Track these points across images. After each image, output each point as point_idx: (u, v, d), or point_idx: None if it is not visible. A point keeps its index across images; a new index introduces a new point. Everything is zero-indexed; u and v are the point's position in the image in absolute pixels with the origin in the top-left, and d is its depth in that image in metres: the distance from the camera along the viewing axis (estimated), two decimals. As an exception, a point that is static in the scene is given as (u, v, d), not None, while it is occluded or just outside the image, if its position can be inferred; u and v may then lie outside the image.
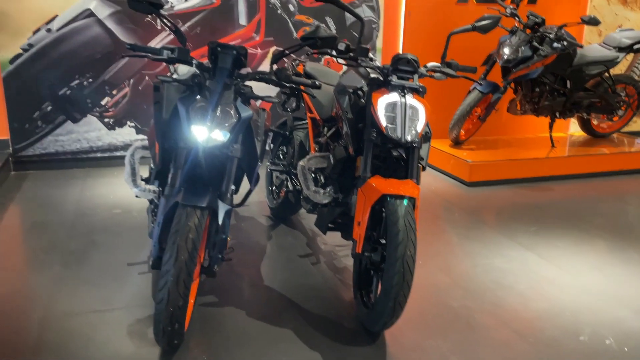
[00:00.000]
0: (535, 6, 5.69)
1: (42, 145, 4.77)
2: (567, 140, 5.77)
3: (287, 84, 2.51)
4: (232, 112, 2.29)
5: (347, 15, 5.24)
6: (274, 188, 3.85)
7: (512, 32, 4.85)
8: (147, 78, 4.87)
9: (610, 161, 5.20)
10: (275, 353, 2.35)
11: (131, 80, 4.85)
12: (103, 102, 4.83)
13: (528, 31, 4.79)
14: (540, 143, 5.51)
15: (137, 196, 2.82)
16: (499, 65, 4.89)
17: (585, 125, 5.71)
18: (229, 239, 2.39)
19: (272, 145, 3.74)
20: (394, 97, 2.42)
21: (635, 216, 4.23)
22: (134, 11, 2.41)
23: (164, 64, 4.71)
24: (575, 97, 5.14)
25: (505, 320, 2.65)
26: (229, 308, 2.66)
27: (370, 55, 2.61)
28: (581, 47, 4.91)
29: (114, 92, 4.84)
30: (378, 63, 2.65)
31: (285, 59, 4.35)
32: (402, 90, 2.45)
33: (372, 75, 2.57)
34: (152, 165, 2.87)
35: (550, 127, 5.28)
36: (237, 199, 2.56)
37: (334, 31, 5.24)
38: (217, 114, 2.26)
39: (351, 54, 2.55)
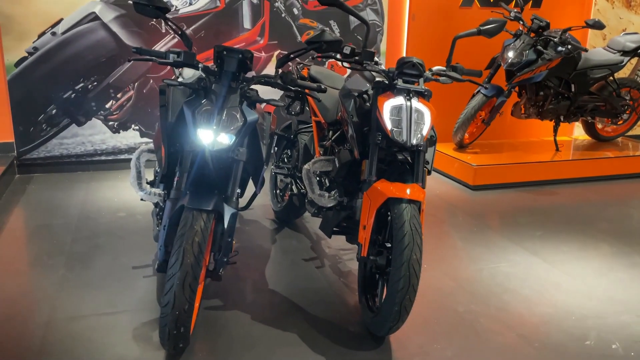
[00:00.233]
0: (539, 10, 5.69)
1: (46, 149, 4.78)
2: (571, 144, 5.76)
3: (292, 88, 2.51)
4: (237, 116, 2.29)
5: (351, 18, 5.25)
6: (278, 191, 3.85)
7: (517, 36, 4.85)
8: (151, 81, 4.89)
9: (614, 165, 5.18)
10: (279, 357, 2.34)
11: (136, 84, 4.86)
12: (107, 106, 4.84)
13: (532, 35, 4.79)
14: (544, 147, 5.50)
15: (142, 199, 2.83)
16: (503, 69, 4.89)
17: (589, 129, 5.69)
18: (234, 242, 2.39)
19: (276, 148, 3.74)
20: (399, 100, 2.42)
21: (639, 221, 4.22)
22: (139, 15, 2.42)
23: (168, 67, 4.73)
24: (579, 101, 5.13)
25: (510, 325, 2.64)
26: (233, 311, 2.66)
27: (376, 58, 2.61)
28: (585, 50, 4.90)
29: (119, 95, 4.85)
30: (383, 67, 2.65)
31: (290, 63, 4.35)
32: (408, 93, 2.45)
33: (378, 79, 2.57)
34: (157, 169, 2.88)
35: (555, 130, 5.27)
36: (242, 202, 2.55)
37: (338, 34, 5.25)
38: (223, 118, 2.26)
39: (356, 58, 2.55)
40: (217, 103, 2.27)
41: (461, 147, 5.19)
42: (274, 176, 3.87)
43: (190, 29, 4.86)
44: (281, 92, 4.65)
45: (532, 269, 3.23)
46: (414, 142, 2.40)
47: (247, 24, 5.03)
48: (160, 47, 4.82)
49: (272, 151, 3.66)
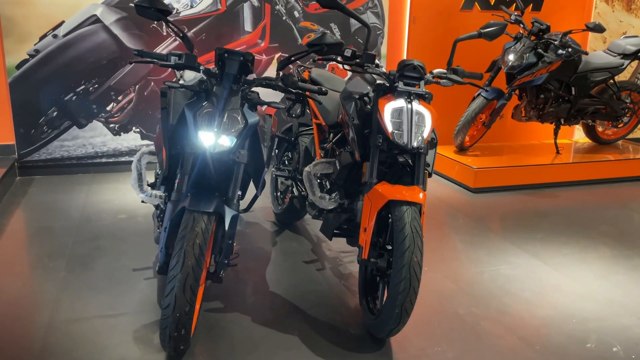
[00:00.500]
0: (539, 13, 5.70)
1: (47, 151, 4.78)
2: (572, 147, 5.76)
3: (293, 90, 2.52)
4: (239, 118, 2.30)
5: (352, 21, 5.26)
6: (279, 194, 3.86)
7: (517, 39, 4.86)
8: (152, 84, 4.89)
9: (615, 168, 5.19)
10: (280, 359, 2.34)
11: (136, 86, 4.87)
12: (108, 108, 4.85)
13: (533, 38, 4.80)
14: (545, 149, 5.50)
15: (143, 201, 2.83)
16: (503, 72, 4.90)
17: (590, 131, 5.70)
18: (235, 244, 2.39)
19: (277, 151, 3.74)
20: (400, 103, 2.43)
21: (640, 223, 4.22)
22: (141, 17, 2.43)
23: (169, 70, 4.73)
24: (580, 104, 5.14)
25: (511, 328, 2.64)
26: (234, 314, 2.66)
27: (377, 61, 2.61)
28: (586, 53, 4.91)
29: (120, 97, 4.86)
30: (383, 69, 2.65)
31: (291, 66, 4.36)
32: (409, 96, 2.45)
33: (379, 82, 2.57)
34: (158, 171, 2.88)
35: (555, 133, 5.28)
36: (243, 204, 2.56)
37: (338, 37, 5.26)
38: (224, 120, 2.27)
39: (357, 60, 2.56)
40: (218, 105, 2.27)
41: (462, 149, 5.19)
42: (275, 178, 3.88)
43: (192, 31, 4.87)
44: (282, 95, 4.65)
45: (532, 272, 3.23)
46: (415, 144, 2.41)
47: (248, 26, 5.04)
48: (162, 49, 4.83)
49: (272, 153, 3.66)
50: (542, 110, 5.07)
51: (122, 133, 4.94)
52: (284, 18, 5.11)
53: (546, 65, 4.75)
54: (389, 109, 2.42)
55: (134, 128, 4.96)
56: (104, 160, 4.94)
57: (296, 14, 5.12)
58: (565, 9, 5.82)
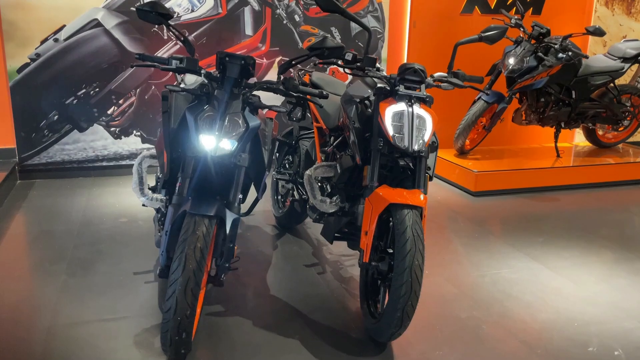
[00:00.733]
0: (540, 17, 5.71)
1: (48, 154, 4.79)
2: (572, 151, 5.77)
3: (294, 94, 2.52)
4: (240, 122, 2.30)
5: (353, 25, 5.28)
6: (279, 197, 3.86)
7: (517, 43, 4.86)
8: (153, 88, 4.90)
9: (615, 171, 5.19)
10: (282, 363, 2.34)
11: (137, 90, 4.87)
12: (109, 112, 4.86)
13: (533, 41, 4.81)
14: (545, 153, 5.50)
15: (144, 205, 2.83)
16: (504, 76, 4.90)
17: (590, 135, 5.70)
18: (236, 248, 2.39)
19: (278, 154, 3.74)
20: (401, 106, 2.43)
21: (642, 226, 4.22)
22: (142, 21, 2.43)
23: (170, 73, 4.74)
24: (580, 108, 5.14)
25: (513, 331, 2.63)
26: (235, 318, 2.66)
27: (378, 65, 2.62)
28: (586, 57, 4.92)
29: (121, 101, 4.86)
30: (384, 73, 2.66)
31: (291, 69, 4.37)
32: (410, 99, 2.45)
33: (379, 85, 2.58)
34: (159, 174, 2.88)
35: (556, 137, 5.28)
36: (243, 208, 2.56)
37: (339, 41, 5.27)
38: (225, 123, 2.27)
39: (358, 64, 2.56)
40: (219, 109, 2.27)
41: (462, 153, 5.19)
42: (276, 182, 3.88)
43: (192, 35, 4.88)
44: (283, 99, 4.66)
45: (534, 275, 3.23)
46: (416, 148, 2.41)
47: (248, 30, 5.05)
48: (163, 53, 4.84)
49: (273, 157, 3.66)
50: (543, 114, 5.08)
51: (123, 137, 4.95)
52: (284, 22, 5.12)
53: (546, 69, 4.76)
54: (390, 112, 2.42)
55: (134, 132, 4.96)
56: (104, 163, 4.94)
57: (297, 17, 5.13)
58: (565, 12, 5.84)
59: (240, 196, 2.40)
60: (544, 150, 5.64)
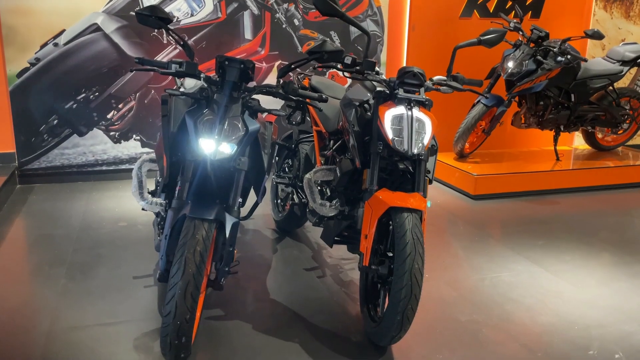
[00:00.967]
0: (538, 20, 5.73)
1: (47, 159, 4.79)
2: (571, 154, 5.77)
3: (293, 97, 2.52)
4: (239, 125, 2.30)
5: (352, 29, 5.29)
6: (279, 201, 3.86)
7: (516, 46, 4.87)
8: (153, 92, 4.91)
9: (615, 174, 5.19)
10: (282, 367, 2.34)
11: (137, 94, 4.88)
12: (109, 116, 4.86)
13: (532, 45, 4.82)
14: (545, 156, 5.51)
15: (143, 209, 2.83)
16: (503, 79, 4.91)
17: (589, 138, 5.71)
18: (235, 251, 2.39)
19: (277, 158, 3.75)
20: (400, 110, 2.43)
21: (641, 229, 4.21)
22: (141, 25, 2.44)
23: (170, 77, 4.75)
24: (579, 111, 5.15)
25: (513, 335, 2.63)
26: (235, 321, 2.65)
27: (377, 68, 2.62)
28: (585, 60, 4.93)
29: (120, 105, 4.87)
30: (383, 76, 2.66)
31: (291, 73, 4.38)
32: (409, 103, 2.46)
33: (379, 89, 2.58)
34: (158, 178, 2.88)
35: (555, 140, 5.28)
36: (243, 211, 2.56)
37: (338, 45, 5.28)
38: (225, 127, 2.27)
39: (357, 68, 2.57)
40: (218, 113, 2.28)
41: (462, 156, 5.19)
42: (275, 186, 3.88)
43: (192, 39, 4.89)
44: (282, 102, 4.66)
45: (534, 279, 3.23)
46: (415, 151, 2.41)
47: (248, 34, 5.06)
48: (162, 57, 4.84)
49: (273, 161, 3.66)
50: (542, 117, 5.08)
51: (122, 141, 4.95)
52: (283, 26, 5.13)
53: (545, 72, 4.76)
54: (389, 115, 2.43)
55: (134, 136, 4.97)
56: (104, 168, 4.94)
57: (296, 22, 5.15)
58: (564, 16, 5.85)
59: (240, 200, 2.40)
60: (544, 153, 5.65)
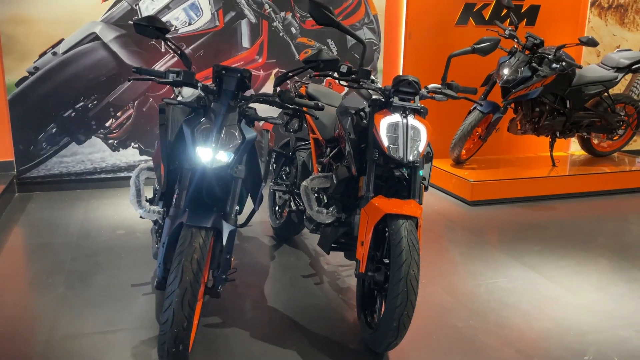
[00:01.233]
0: (533, 28, 5.77)
1: (46, 167, 4.80)
2: (568, 160, 5.80)
3: (290, 106, 2.54)
4: (236, 134, 2.32)
5: (349, 37, 5.32)
6: (276, 208, 3.87)
7: (511, 53, 4.91)
8: (151, 100, 4.93)
9: (611, 180, 5.21)
10: (279, 374, 2.34)
11: (135, 102, 4.90)
12: (107, 124, 4.88)
13: (527, 52, 4.86)
14: (541, 162, 5.53)
15: (141, 217, 2.84)
16: (499, 86, 4.94)
17: (585, 144, 5.74)
18: (233, 259, 2.40)
19: (275, 165, 3.77)
20: (395, 118, 2.46)
21: (637, 235, 4.23)
22: (139, 35, 2.46)
23: (168, 86, 4.77)
24: (575, 117, 5.18)
25: (510, 341, 2.64)
26: (232, 329, 2.66)
27: (372, 77, 2.65)
28: (580, 67, 4.96)
29: (119, 114, 4.89)
30: (379, 84, 2.69)
31: (288, 81, 4.41)
32: (404, 111, 2.48)
33: (374, 97, 2.61)
34: (156, 186, 2.90)
35: (551, 146, 5.31)
36: (240, 219, 2.57)
37: (335, 53, 5.31)
38: (222, 136, 2.29)
39: (353, 76, 2.59)
40: (216, 121, 2.30)
41: (458, 163, 5.22)
42: (273, 193, 3.89)
43: (190, 48, 4.93)
44: (280, 110, 4.69)
45: (530, 284, 3.24)
46: (411, 158, 2.43)
47: (245, 43, 5.09)
48: (160, 66, 4.87)
49: (270, 168, 3.68)
50: (538, 124, 5.11)
51: (120, 149, 4.97)
52: (281, 34, 5.16)
53: (541, 79, 4.80)
54: (385, 123, 2.45)
55: (132, 144, 4.99)
56: (102, 176, 4.95)
57: (293, 30, 5.18)
58: (558, 23, 5.90)
59: (237, 207, 2.42)
60: (540, 159, 5.67)
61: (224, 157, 2.29)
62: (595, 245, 3.88)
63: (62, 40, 4.63)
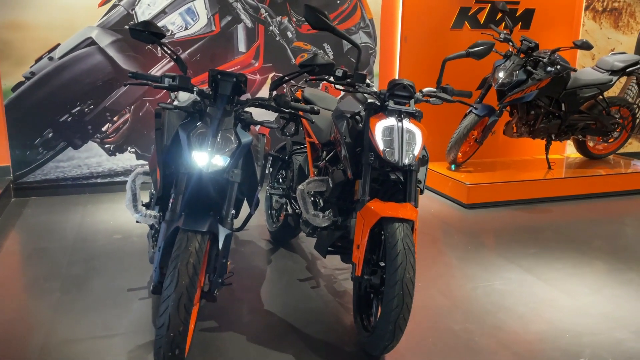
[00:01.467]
0: (528, 31, 5.80)
1: (43, 172, 4.80)
2: (563, 162, 5.82)
3: (286, 110, 2.55)
4: (232, 138, 2.33)
5: (345, 41, 5.34)
6: (273, 212, 3.88)
7: (507, 57, 4.93)
8: (147, 104, 4.94)
9: (607, 182, 5.23)
10: (275, 378, 2.34)
11: (132, 107, 4.91)
12: (104, 129, 4.89)
13: (522, 56, 4.88)
14: (537, 165, 5.55)
15: (137, 221, 2.84)
16: (494, 89, 4.97)
17: (581, 147, 5.76)
18: (229, 263, 2.40)
19: (271, 169, 3.77)
20: (391, 121, 2.47)
21: (633, 237, 4.24)
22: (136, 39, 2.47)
23: (165, 90, 4.78)
24: (570, 120, 5.21)
25: (506, 343, 2.65)
26: (229, 333, 2.66)
27: (368, 81, 2.66)
28: (574, 70, 4.99)
29: (115, 118, 4.89)
30: (375, 88, 2.70)
31: (284, 85, 4.42)
32: (399, 114, 2.49)
33: (370, 100, 2.62)
34: (152, 191, 2.90)
35: (547, 149, 5.33)
36: (237, 223, 2.58)
37: (331, 57, 5.33)
38: (218, 140, 2.30)
39: (348, 80, 2.61)
40: (211, 126, 2.30)
41: (455, 166, 5.23)
42: (269, 197, 3.90)
43: (186, 52, 4.94)
44: (276, 114, 4.70)
45: (526, 287, 3.25)
46: (406, 161, 2.44)
47: (242, 47, 5.11)
48: (157, 70, 4.88)
49: (267, 172, 3.69)
50: (533, 126, 5.14)
51: (117, 153, 4.97)
52: (277, 38, 5.18)
53: (535, 82, 4.82)
54: (380, 127, 2.46)
55: (129, 148, 4.99)
56: (99, 180, 4.95)
57: (289, 34, 5.20)
58: (553, 27, 5.93)
59: (233, 212, 2.42)
60: (536, 162, 5.69)
61: (220, 161, 2.30)
62: (590, 248, 3.89)
63: (58, 45, 4.64)
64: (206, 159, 2.27)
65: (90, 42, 4.69)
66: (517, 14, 5.75)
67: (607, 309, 3.00)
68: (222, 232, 2.28)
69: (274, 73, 5.22)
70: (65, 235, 3.90)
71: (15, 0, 4.47)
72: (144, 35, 2.42)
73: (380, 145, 2.44)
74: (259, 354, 2.50)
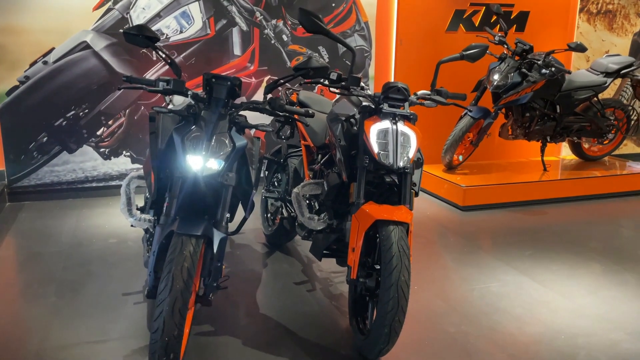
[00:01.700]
0: (523, 34, 5.82)
1: (37, 176, 4.78)
2: (559, 164, 5.83)
3: (280, 113, 2.55)
4: (226, 142, 2.33)
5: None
6: (269, 215, 3.87)
7: (501, 59, 4.95)
8: (142, 108, 4.93)
9: (602, 184, 5.25)
10: (271, 382, 2.34)
11: (127, 111, 4.90)
12: (99, 133, 4.87)
13: (517, 58, 4.89)
14: (532, 167, 5.57)
15: (132, 225, 2.84)
16: (489, 92, 4.98)
17: (576, 148, 5.78)
18: (224, 266, 2.40)
19: (266, 172, 3.77)
20: (385, 124, 2.47)
21: (628, 239, 4.26)
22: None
23: (159, 94, 4.77)
24: (565, 122, 5.22)
25: (501, 345, 2.65)
26: (224, 337, 2.65)
27: (362, 84, 2.66)
28: (569, 72, 5.01)
29: (110, 122, 4.88)
30: (369, 91, 2.71)
31: (280, 88, 4.42)
32: (394, 117, 2.50)
33: (364, 103, 2.62)
34: (147, 195, 2.89)
35: (542, 151, 5.35)
36: (232, 226, 2.57)
37: (326, 60, 5.34)
38: (212, 144, 2.29)
39: (343, 83, 2.61)
40: (206, 129, 2.30)
41: (450, 168, 5.24)
42: (265, 200, 3.90)
43: (181, 56, 4.93)
44: (271, 117, 4.70)
45: (522, 289, 3.25)
46: (401, 164, 2.45)
47: (237, 50, 5.11)
48: (152, 74, 4.87)
49: (262, 175, 3.68)
50: (529, 129, 5.15)
51: (112, 157, 4.96)
52: (272, 42, 5.18)
53: (530, 85, 4.84)
54: (375, 130, 2.46)
55: (124, 152, 4.98)
56: (94, 184, 4.94)
57: (284, 37, 5.20)
58: (548, 29, 5.95)
59: (228, 215, 2.42)
60: (531, 164, 5.71)
61: (215, 164, 2.29)
62: (586, 249, 3.90)
63: (52, 49, 4.63)
64: (201, 162, 2.27)
65: (85, 45, 4.68)
66: (512, 17, 5.77)
67: (602, 310, 3.01)
68: (217, 236, 2.27)
69: (269, 76, 5.22)
70: (60, 239, 3.89)
71: (10, 4, 4.46)
72: (139, 39, 2.42)
73: (375, 148, 2.44)
74: (255, 358, 2.49)
